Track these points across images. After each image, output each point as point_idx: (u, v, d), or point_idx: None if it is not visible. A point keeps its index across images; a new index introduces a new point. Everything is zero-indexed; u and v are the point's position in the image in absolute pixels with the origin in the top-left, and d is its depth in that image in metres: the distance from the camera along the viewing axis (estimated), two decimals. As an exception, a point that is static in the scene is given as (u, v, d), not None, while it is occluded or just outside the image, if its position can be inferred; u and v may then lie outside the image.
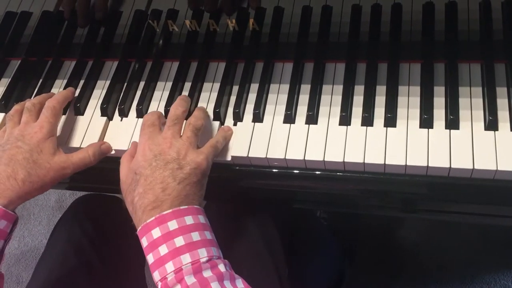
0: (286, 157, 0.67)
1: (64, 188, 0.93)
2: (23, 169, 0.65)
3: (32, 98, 0.80)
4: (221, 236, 0.72)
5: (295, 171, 0.70)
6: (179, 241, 0.57)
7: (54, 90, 0.82)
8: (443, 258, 1.28)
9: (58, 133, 0.74)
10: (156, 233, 0.58)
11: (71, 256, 0.84)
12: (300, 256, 0.94)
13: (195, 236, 0.58)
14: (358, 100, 0.70)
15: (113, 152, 0.73)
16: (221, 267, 0.58)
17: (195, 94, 0.76)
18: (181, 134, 0.66)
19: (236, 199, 0.82)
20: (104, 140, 0.74)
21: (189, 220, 0.59)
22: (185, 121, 0.70)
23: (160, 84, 0.79)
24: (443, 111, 0.66)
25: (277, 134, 0.69)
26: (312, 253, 1.00)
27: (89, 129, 0.75)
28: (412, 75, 0.70)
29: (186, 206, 0.60)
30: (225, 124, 0.73)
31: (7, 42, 0.89)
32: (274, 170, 0.70)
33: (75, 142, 0.75)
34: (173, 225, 0.58)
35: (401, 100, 0.68)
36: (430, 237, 1.31)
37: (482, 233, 1.28)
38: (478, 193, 0.64)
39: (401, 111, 0.67)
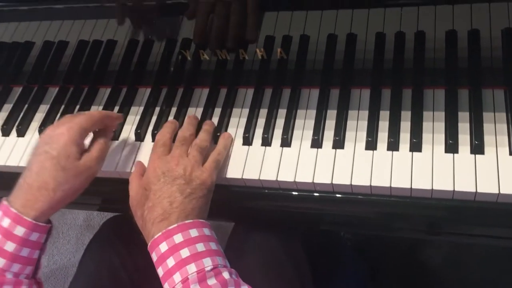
0: (314, 181, 0.69)
1: (95, 209, 0.97)
2: (53, 179, 0.65)
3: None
4: (249, 258, 0.75)
5: (323, 194, 0.72)
6: (185, 252, 0.61)
7: (90, 115, 0.86)
8: (468, 279, 1.27)
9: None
10: (163, 247, 0.62)
11: (104, 278, 0.86)
12: (325, 276, 0.96)
13: (200, 247, 0.62)
14: (383, 126, 0.72)
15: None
16: (226, 275, 0.61)
17: (224, 120, 0.79)
18: (188, 154, 0.71)
19: (265, 221, 0.84)
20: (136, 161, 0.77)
21: (193, 232, 0.63)
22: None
23: (191, 110, 0.82)
24: (468, 137, 0.68)
25: (304, 159, 0.72)
26: (337, 273, 1.01)
27: (124, 152, 0.79)
28: (436, 101, 0.72)
29: (191, 220, 0.64)
30: (254, 147, 0.75)
31: (46, 70, 0.94)
32: (302, 193, 0.72)
33: (108, 166, 0.78)
34: (178, 238, 0.62)
35: (426, 125, 0.70)
36: (455, 258, 1.30)
37: (508, 254, 1.27)
38: (504, 216, 0.65)
39: (426, 136, 0.69)
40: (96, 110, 0.86)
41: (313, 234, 0.93)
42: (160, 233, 0.62)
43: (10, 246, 0.63)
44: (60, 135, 0.67)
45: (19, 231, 0.64)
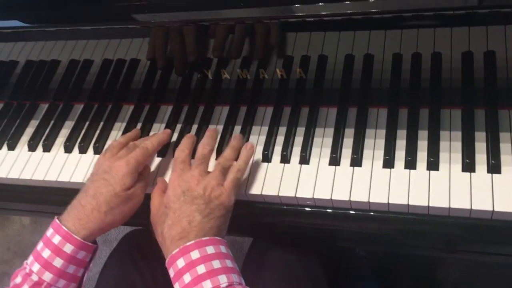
0: (332, 198, 0.71)
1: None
2: (106, 203, 0.70)
3: (95, 138, 0.87)
4: (266, 273, 0.76)
5: (340, 211, 0.73)
6: (201, 269, 0.62)
7: (113, 132, 0.89)
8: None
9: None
10: (180, 263, 0.63)
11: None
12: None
13: (216, 264, 0.63)
14: (401, 144, 0.73)
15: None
16: None
17: (244, 137, 0.81)
18: (209, 171, 0.72)
19: (282, 237, 0.85)
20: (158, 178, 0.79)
21: (210, 249, 0.64)
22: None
23: (211, 127, 0.84)
24: (484, 156, 0.69)
25: (323, 176, 0.73)
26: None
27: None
28: (453, 120, 0.74)
29: (208, 238, 0.65)
30: (273, 164, 0.77)
31: (71, 87, 0.97)
32: (320, 210, 0.73)
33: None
34: (195, 254, 0.63)
35: (443, 144, 0.71)
36: (471, 277, 1.29)
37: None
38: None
39: (443, 155, 0.70)
40: (118, 126, 0.89)
41: (329, 250, 0.94)
42: (177, 249, 0.64)
43: (58, 262, 0.68)
44: (119, 167, 0.72)
45: (68, 248, 0.68)
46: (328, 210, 0.73)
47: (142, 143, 0.76)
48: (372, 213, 0.71)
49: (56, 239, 0.69)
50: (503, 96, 0.73)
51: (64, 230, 0.69)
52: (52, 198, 0.88)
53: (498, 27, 0.76)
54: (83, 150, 0.87)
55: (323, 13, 0.68)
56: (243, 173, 0.73)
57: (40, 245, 0.70)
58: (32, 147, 0.90)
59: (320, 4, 0.66)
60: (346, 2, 0.66)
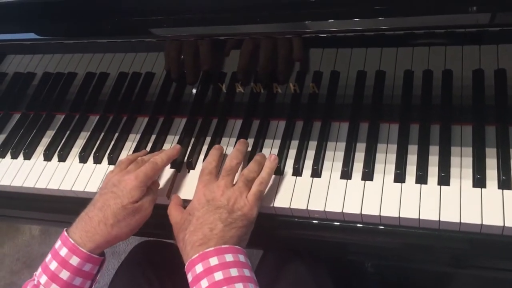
0: (344, 211, 0.71)
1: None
2: (113, 216, 0.71)
3: (110, 148, 0.89)
4: (278, 286, 0.76)
5: (350, 224, 0.73)
6: (218, 275, 0.63)
7: (128, 143, 0.90)
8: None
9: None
10: (199, 268, 0.64)
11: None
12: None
13: (234, 271, 0.64)
14: (412, 159, 0.74)
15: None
16: None
17: (257, 150, 0.82)
18: (234, 183, 0.73)
19: (293, 249, 0.85)
20: (172, 190, 0.80)
21: (229, 257, 0.65)
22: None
23: (224, 140, 0.86)
24: (495, 172, 0.69)
25: (334, 189, 0.74)
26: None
27: (160, 180, 0.82)
28: (464, 136, 0.75)
29: (227, 246, 0.66)
30: (285, 177, 0.78)
31: (87, 99, 0.99)
32: (331, 223, 0.74)
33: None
34: (214, 261, 0.64)
35: (454, 160, 0.72)
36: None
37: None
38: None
39: (454, 171, 0.71)
40: (132, 138, 0.91)
41: (340, 265, 0.95)
42: (197, 255, 0.65)
43: (64, 274, 0.69)
44: (128, 181, 0.73)
45: (74, 261, 0.69)
46: (338, 223, 0.74)
47: (151, 158, 0.77)
48: (382, 227, 0.72)
49: (63, 252, 0.70)
50: (514, 113, 0.74)
51: (71, 242, 0.70)
52: (66, 207, 0.89)
53: (509, 46, 0.77)
54: (97, 161, 0.88)
55: (334, 29, 0.69)
56: (266, 186, 0.74)
57: (48, 257, 0.71)
58: (47, 157, 0.92)
59: (332, 21, 0.68)
60: (356, 19, 0.67)
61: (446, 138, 0.74)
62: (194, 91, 0.93)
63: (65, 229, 0.73)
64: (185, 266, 0.67)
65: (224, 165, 0.75)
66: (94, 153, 0.89)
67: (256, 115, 0.87)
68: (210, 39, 0.83)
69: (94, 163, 0.88)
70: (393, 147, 0.76)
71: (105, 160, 0.88)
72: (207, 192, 0.72)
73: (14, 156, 0.94)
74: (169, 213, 0.75)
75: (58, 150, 0.92)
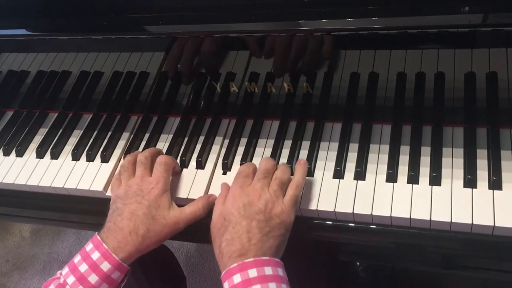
0: (336, 210, 0.72)
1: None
2: (144, 225, 0.70)
3: (103, 146, 0.88)
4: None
5: (342, 224, 0.74)
6: None
7: (121, 142, 0.90)
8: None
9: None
10: (236, 278, 0.62)
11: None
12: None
13: (272, 286, 0.62)
14: (404, 159, 0.74)
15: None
16: None
17: (250, 150, 0.82)
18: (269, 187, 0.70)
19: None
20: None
21: (268, 270, 0.63)
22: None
23: (218, 139, 0.86)
24: (486, 172, 0.70)
25: (327, 188, 0.74)
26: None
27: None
28: (455, 138, 0.75)
29: (267, 258, 0.64)
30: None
31: (81, 98, 0.99)
32: (322, 222, 0.74)
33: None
34: (253, 273, 0.62)
35: (445, 160, 0.73)
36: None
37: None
38: (522, 251, 0.67)
39: (445, 171, 0.72)
40: (125, 136, 0.91)
41: (332, 265, 0.95)
42: (236, 264, 0.63)
43: (93, 279, 0.68)
44: (151, 189, 0.73)
45: (105, 266, 0.69)
46: (331, 223, 0.74)
47: (159, 159, 0.77)
48: (374, 227, 0.72)
49: (95, 255, 0.69)
50: (504, 115, 0.75)
51: (105, 247, 0.69)
52: (58, 205, 0.89)
53: (500, 49, 0.78)
54: (90, 158, 0.88)
55: (328, 28, 0.70)
56: (301, 189, 0.72)
57: (77, 258, 0.70)
58: (40, 154, 0.91)
59: (325, 20, 0.68)
60: (350, 19, 0.68)
61: (438, 139, 0.75)
62: (189, 90, 0.93)
63: (97, 233, 0.72)
64: (222, 274, 0.65)
65: (260, 167, 0.72)
66: (87, 151, 0.88)
67: (250, 114, 0.87)
68: (205, 37, 0.84)
69: (87, 161, 0.88)
70: (386, 148, 0.77)
71: (97, 158, 0.88)
72: (243, 195, 0.69)
73: (7, 153, 0.94)
74: (215, 205, 0.72)
75: (51, 148, 0.91)
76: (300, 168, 0.73)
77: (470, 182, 0.69)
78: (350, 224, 0.73)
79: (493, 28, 0.67)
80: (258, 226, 0.66)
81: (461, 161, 0.72)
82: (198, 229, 0.79)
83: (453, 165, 0.72)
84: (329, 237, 0.76)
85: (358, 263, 1.17)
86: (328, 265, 0.92)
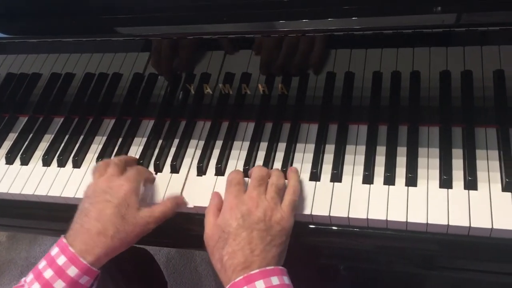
0: (312, 213, 0.71)
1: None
2: (113, 225, 0.67)
3: (74, 152, 0.86)
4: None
5: (319, 227, 0.73)
6: None
7: (93, 146, 0.88)
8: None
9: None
10: None
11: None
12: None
13: None
14: (380, 160, 0.74)
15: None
16: None
17: (225, 152, 0.81)
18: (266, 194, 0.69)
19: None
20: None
21: (275, 280, 0.61)
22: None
23: (192, 142, 0.84)
24: (461, 172, 0.70)
25: (303, 191, 0.73)
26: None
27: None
28: (431, 137, 0.75)
29: (272, 267, 0.62)
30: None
31: (52, 100, 0.97)
32: (299, 226, 0.73)
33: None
34: (260, 284, 0.60)
35: (421, 161, 0.72)
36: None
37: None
38: (497, 251, 0.66)
39: (421, 172, 0.71)
40: (98, 140, 0.89)
41: (313, 269, 0.94)
42: (241, 277, 0.61)
43: (59, 285, 0.65)
44: (120, 186, 0.70)
45: (72, 271, 0.65)
46: (308, 226, 0.73)
47: (134, 166, 0.75)
48: (350, 229, 0.71)
49: (61, 260, 0.65)
50: (479, 114, 0.75)
51: (72, 251, 0.66)
52: (30, 212, 0.86)
53: (475, 48, 0.78)
54: (61, 164, 0.86)
55: (305, 29, 0.69)
56: (298, 194, 0.71)
57: (42, 264, 0.67)
58: (9, 160, 0.89)
59: (304, 20, 0.67)
60: (329, 19, 0.67)
61: (414, 139, 0.74)
62: (163, 92, 0.91)
63: (62, 235, 0.69)
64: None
65: (254, 174, 0.70)
66: (58, 156, 0.86)
67: (225, 116, 0.86)
68: (177, 39, 0.82)
69: (58, 166, 0.86)
70: (362, 149, 0.76)
71: (69, 164, 0.86)
72: (240, 205, 0.66)
73: (-26, 160, 0.91)
74: (206, 215, 0.70)
75: (21, 153, 0.89)
76: (293, 173, 0.73)
77: (445, 182, 0.69)
78: (328, 227, 0.72)
79: (467, 28, 0.66)
80: (259, 236, 0.64)
81: (437, 161, 0.72)
82: (179, 235, 0.79)
83: (429, 165, 0.72)
84: (307, 241, 0.75)
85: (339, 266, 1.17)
86: (310, 268, 0.91)
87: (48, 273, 0.65)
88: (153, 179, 0.80)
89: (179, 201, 0.75)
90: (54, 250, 0.67)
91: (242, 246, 0.63)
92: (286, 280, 0.63)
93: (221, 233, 0.65)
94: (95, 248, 0.66)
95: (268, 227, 0.65)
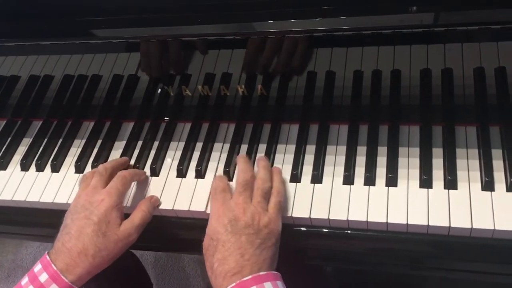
0: (293, 215, 0.70)
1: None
2: (93, 244, 0.66)
3: (53, 155, 0.85)
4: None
5: (301, 228, 0.72)
6: None
7: (73, 149, 0.87)
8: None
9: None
10: None
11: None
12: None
13: None
14: (361, 161, 0.73)
15: None
16: None
17: (205, 154, 0.80)
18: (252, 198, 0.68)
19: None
20: None
21: (268, 286, 0.60)
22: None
23: (173, 144, 0.83)
24: (441, 172, 0.69)
25: (284, 193, 0.72)
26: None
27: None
28: (411, 137, 0.74)
29: (265, 272, 0.62)
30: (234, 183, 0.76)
31: (30, 103, 0.95)
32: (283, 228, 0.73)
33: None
34: None
35: (402, 160, 0.72)
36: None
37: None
38: (478, 251, 0.66)
39: (401, 172, 0.71)
40: (77, 143, 0.88)
41: (297, 269, 0.93)
42: (234, 284, 0.60)
43: None
44: (100, 201, 0.68)
45: None
46: (289, 227, 0.72)
47: (120, 173, 0.73)
48: (332, 231, 0.71)
49: (43, 278, 0.65)
50: (460, 113, 0.75)
51: (54, 269, 0.65)
52: (8, 218, 0.85)
53: (456, 45, 0.77)
54: (40, 168, 0.84)
55: (285, 30, 0.68)
56: (283, 196, 0.70)
57: (25, 280, 0.66)
58: (-13, 165, 0.87)
59: (283, 21, 0.66)
60: (310, 20, 0.67)
61: (394, 139, 0.74)
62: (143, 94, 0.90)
63: (47, 252, 0.68)
64: None
65: (238, 179, 0.70)
66: (36, 161, 0.85)
67: (205, 118, 0.85)
68: (157, 41, 0.81)
69: (36, 171, 0.85)
70: (343, 149, 0.76)
71: (47, 168, 0.85)
72: (227, 211, 0.66)
73: (-49, 165, 0.89)
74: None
75: (-1, 158, 0.87)
76: (276, 174, 0.72)
77: (425, 182, 0.68)
78: (309, 229, 0.72)
79: (446, 28, 0.66)
80: (249, 240, 0.63)
81: (417, 160, 0.72)
82: (162, 239, 0.78)
83: (409, 165, 0.71)
84: (290, 242, 0.74)
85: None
86: (295, 269, 0.91)
87: None
88: (146, 179, 0.78)
89: (153, 202, 0.74)
90: (37, 267, 0.67)
91: (231, 251, 0.62)
92: (280, 285, 0.62)
93: (210, 241, 0.65)
94: (76, 268, 0.65)
95: (256, 231, 0.64)
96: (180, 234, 0.78)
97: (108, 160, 0.83)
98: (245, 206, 0.66)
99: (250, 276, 0.60)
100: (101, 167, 0.74)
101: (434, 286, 1.23)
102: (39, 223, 0.84)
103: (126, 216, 0.71)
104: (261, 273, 0.61)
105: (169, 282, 1.61)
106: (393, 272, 0.89)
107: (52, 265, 0.65)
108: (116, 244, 0.68)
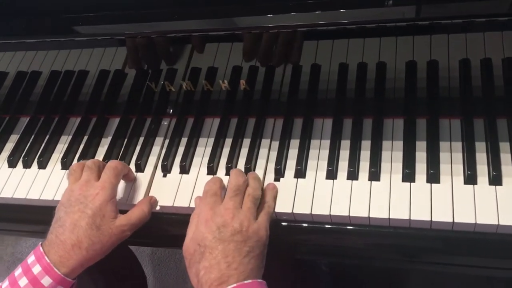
0: (276, 210, 0.70)
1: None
2: (87, 237, 0.66)
3: (39, 152, 0.85)
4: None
5: (284, 224, 0.72)
6: None
7: (59, 145, 0.87)
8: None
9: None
10: None
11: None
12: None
13: None
14: (344, 155, 0.73)
15: None
16: None
17: (190, 149, 0.80)
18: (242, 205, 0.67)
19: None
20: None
21: None
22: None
23: (158, 140, 0.83)
24: (425, 165, 0.69)
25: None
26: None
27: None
28: (395, 130, 0.74)
29: (250, 281, 0.61)
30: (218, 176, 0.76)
31: (18, 100, 0.95)
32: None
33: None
34: None
35: (385, 154, 0.72)
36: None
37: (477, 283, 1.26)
38: (460, 245, 0.66)
39: (385, 166, 0.70)
40: (64, 139, 0.88)
41: (290, 264, 0.93)
42: None
43: None
44: (95, 195, 0.68)
45: (46, 281, 0.65)
46: (275, 223, 0.72)
47: (109, 163, 0.73)
48: (315, 225, 0.71)
49: (36, 269, 0.65)
50: (444, 105, 0.74)
51: (47, 261, 0.65)
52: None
53: (441, 36, 0.76)
54: (27, 165, 0.85)
55: (269, 25, 0.68)
56: (273, 209, 0.70)
57: (18, 271, 0.67)
58: (-26, 162, 0.88)
59: (268, 16, 0.66)
60: (292, 14, 0.66)
61: (378, 132, 0.74)
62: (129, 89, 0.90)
63: (40, 243, 0.68)
64: None
65: (230, 184, 0.69)
66: (23, 157, 0.85)
67: (190, 113, 0.84)
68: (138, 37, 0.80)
69: (23, 167, 0.85)
70: (327, 143, 0.75)
71: (34, 165, 0.85)
72: (215, 217, 0.65)
73: None
74: (190, 223, 0.68)
75: (-15, 155, 0.88)
76: (270, 191, 0.71)
77: (408, 176, 0.68)
78: (293, 224, 0.72)
79: (431, 22, 0.65)
80: (237, 248, 0.62)
81: (401, 154, 0.71)
82: (152, 235, 0.78)
83: (392, 159, 0.71)
84: (276, 237, 0.74)
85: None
86: (284, 264, 0.91)
87: (23, 282, 0.65)
88: (133, 177, 0.78)
89: (152, 202, 0.74)
90: (31, 258, 0.67)
91: (218, 260, 0.61)
92: None
93: (197, 246, 0.64)
94: (70, 260, 0.66)
95: (245, 238, 0.63)
96: (168, 230, 0.78)
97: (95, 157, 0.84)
98: (234, 211, 0.65)
99: (234, 285, 0.59)
100: (89, 161, 0.74)
101: (422, 281, 1.23)
102: (29, 220, 0.84)
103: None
104: (246, 282, 0.60)
105: (166, 273, 1.62)
106: (389, 266, 0.88)
107: (45, 257, 0.66)
108: (110, 238, 0.68)
